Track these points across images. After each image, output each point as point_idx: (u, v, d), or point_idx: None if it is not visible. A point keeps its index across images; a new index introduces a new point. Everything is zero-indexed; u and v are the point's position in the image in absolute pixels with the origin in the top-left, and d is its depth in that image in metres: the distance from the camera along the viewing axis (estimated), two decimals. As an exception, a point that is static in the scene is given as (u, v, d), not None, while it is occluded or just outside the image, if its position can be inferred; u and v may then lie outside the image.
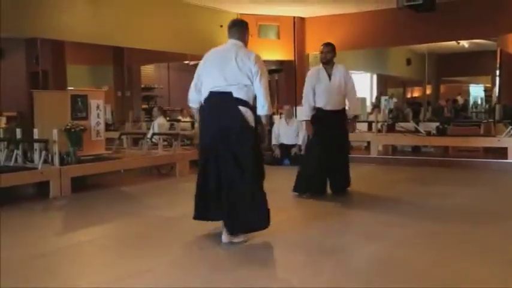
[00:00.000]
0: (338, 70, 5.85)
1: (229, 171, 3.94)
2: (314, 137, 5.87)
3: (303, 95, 5.86)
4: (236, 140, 3.94)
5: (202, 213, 4.15)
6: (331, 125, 5.78)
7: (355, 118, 6.20)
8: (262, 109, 4.02)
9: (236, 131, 3.94)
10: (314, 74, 5.85)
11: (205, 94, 4.06)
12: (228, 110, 3.95)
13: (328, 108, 5.79)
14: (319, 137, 5.81)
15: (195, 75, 4.17)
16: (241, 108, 3.95)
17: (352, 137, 9.02)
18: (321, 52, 5.91)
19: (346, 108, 5.96)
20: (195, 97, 4.19)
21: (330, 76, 5.81)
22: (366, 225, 4.65)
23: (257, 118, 4.07)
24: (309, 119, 5.83)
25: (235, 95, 3.95)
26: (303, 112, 5.96)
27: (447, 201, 5.64)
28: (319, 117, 5.81)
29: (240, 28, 4.21)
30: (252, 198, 3.99)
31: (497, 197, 6.04)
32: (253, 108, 4.02)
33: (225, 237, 3.99)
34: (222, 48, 4.20)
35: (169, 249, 3.93)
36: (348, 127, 6.02)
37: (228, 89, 3.95)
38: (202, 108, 4.13)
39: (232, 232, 3.97)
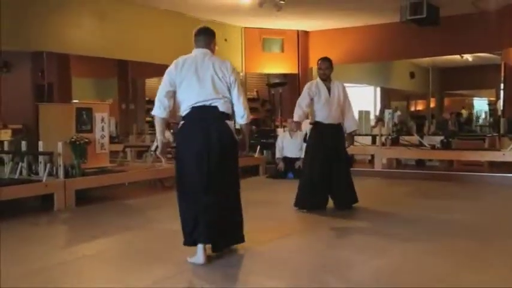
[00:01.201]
0: (336, 85, 5.88)
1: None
2: (313, 151, 5.87)
3: (298, 100, 5.82)
4: (226, 155, 3.81)
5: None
6: (330, 139, 5.79)
7: (353, 133, 6.19)
8: (242, 119, 3.91)
9: (226, 147, 3.81)
10: (314, 86, 5.86)
11: (185, 110, 3.80)
12: (216, 125, 3.77)
13: (327, 122, 5.80)
14: (318, 151, 5.80)
15: (166, 81, 3.82)
16: (228, 122, 3.84)
17: (356, 150, 9.08)
18: (319, 68, 5.91)
19: (345, 123, 5.97)
20: (167, 104, 3.78)
21: (329, 90, 5.82)
22: (370, 240, 4.63)
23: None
24: (300, 120, 5.82)
25: (221, 109, 3.79)
26: (296, 113, 5.83)
27: (452, 215, 5.61)
28: (319, 130, 5.83)
29: (207, 36, 4.00)
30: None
31: (502, 212, 6.00)
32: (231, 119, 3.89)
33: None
34: (193, 59, 3.89)
35: (173, 263, 3.91)
36: (347, 142, 6.02)
37: (213, 103, 3.77)
38: (183, 126, 3.84)
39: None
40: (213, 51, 3.97)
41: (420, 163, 9.85)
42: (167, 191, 7.67)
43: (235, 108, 3.89)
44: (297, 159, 8.89)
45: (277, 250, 4.32)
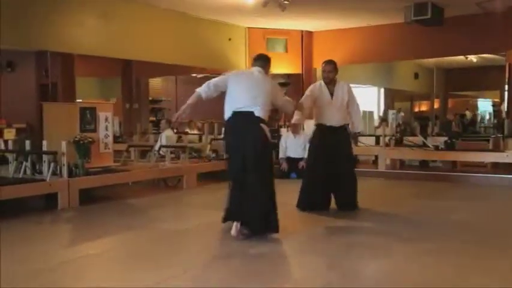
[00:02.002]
0: (341, 87, 5.84)
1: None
2: (316, 153, 5.88)
3: (300, 100, 5.83)
4: (259, 151, 4.51)
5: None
6: (332, 140, 5.77)
7: (358, 134, 6.18)
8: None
9: (259, 144, 4.52)
10: (317, 88, 5.87)
11: (228, 113, 4.60)
12: (252, 126, 4.53)
13: (329, 124, 5.81)
14: (320, 153, 5.81)
15: (222, 80, 4.68)
16: (262, 125, 4.57)
17: (359, 150, 9.06)
18: (323, 71, 5.88)
19: (350, 123, 5.95)
20: (209, 92, 4.64)
21: (332, 94, 5.81)
22: (372, 240, 4.62)
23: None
24: (297, 122, 6.39)
25: (256, 114, 4.53)
26: (294, 115, 5.97)
27: (456, 216, 5.60)
28: (321, 132, 5.84)
29: (263, 61, 4.93)
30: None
31: (508, 213, 5.99)
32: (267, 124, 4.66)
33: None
34: (249, 74, 4.85)
35: (176, 263, 3.91)
36: (353, 142, 6.04)
37: (251, 109, 4.53)
38: (227, 126, 4.68)
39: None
40: (266, 72, 4.89)
41: (424, 164, 9.82)
42: (170, 191, 7.69)
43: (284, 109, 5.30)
44: (300, 159, 8.88)
45: (278, 250, 4.32)
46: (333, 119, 5.79)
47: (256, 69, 4.81)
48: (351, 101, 5.88)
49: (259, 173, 4.46)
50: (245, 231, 4.47)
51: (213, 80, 4.68)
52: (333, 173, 5.73)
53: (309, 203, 5.80)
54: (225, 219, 4.67)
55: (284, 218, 4.66)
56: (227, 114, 4.62)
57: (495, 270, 3.69)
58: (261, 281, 3.52)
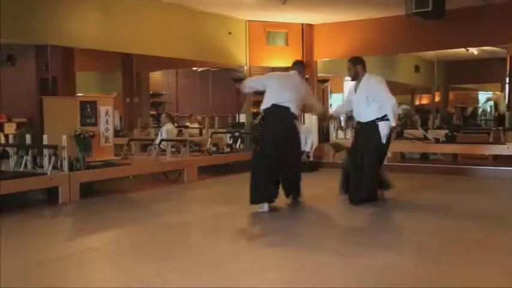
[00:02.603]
0: (365, 81, 5.79)
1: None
2: (350, 146, 6.18)
3: None
4: (289, 141, 5.58)
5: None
6: (361, 135, 5.85)
7: (394, 129, 5.91)
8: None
9: (291, 135, 5.58)
10: (350, 85, 6.16)
11: (267, 104, 5.54)
12: (288, 119, 5.52)
13: (358, 119, 5.92)
14: (351, 147, 6.10)
15: (261, 79, 6.06)
16: (295, 121, 5.58)
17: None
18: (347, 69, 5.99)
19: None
20: (252, 88, 6.02)
21: (356, 90, 5.86)
22: (375, 233, 4.63)
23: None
24: (334, 114, 6.93)
25: (292, 110, 5.49)
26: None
27: (457, 208, 5.61)
28: (356, 127, 6.04)
29: (299, 66, 6.01)
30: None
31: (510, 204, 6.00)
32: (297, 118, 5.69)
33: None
34: (289, 76, 5.80)
35: (177, 255, 3.92)
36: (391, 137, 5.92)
37: (286, 105, 5.47)
38: (267, 114, 5.59)
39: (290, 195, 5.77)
40: (302, 75, 5.96)
41: (424, 157, 9.82)
42: (171, 184, 7.70)
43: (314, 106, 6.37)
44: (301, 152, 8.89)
45: (282, 239, 4.33)
46: (360, 115, 5.84)
47: (294, 73, 5.78)
48: (377, 93, 5.66)
49: (294, 154, 5.70)
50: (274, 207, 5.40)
51: (256, 79, 6.30)
52: (356, 163, 5.87)
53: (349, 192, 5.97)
54: (265, 199, 5.38)
55: (288, 210, 4.64)
56: (266, 105, 5.54)
57: (497, 260, 3.69)
58: (258, 276, 3.53)
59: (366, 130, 5.76)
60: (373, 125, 5.69)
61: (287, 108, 5.48)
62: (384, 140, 5.64)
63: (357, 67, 5.83)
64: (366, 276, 3.44)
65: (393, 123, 5.63)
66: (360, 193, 5.76)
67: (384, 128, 5.63)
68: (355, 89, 5.87)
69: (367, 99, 5.71)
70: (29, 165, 6.29)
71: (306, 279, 3.41)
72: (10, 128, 7.41)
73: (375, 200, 5.81)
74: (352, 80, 5.93)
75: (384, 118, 5.63)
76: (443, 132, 9.28)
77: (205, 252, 4.04)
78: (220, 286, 3.26)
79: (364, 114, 5.78)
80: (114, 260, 3.99)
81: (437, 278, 3.35)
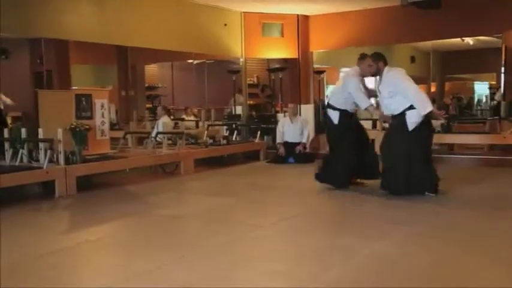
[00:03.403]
0: (385, 76, 5.75)
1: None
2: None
3: None
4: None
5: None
6: (393, 127, 5.82)
7: (435, 118, 5.95)
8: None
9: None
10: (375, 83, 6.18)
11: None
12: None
13: (387, 113, 5.83)
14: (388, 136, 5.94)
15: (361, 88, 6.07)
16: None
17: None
18: None
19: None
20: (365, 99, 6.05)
21: (379, 87, 5.84)
22: (371, 224, 4.64)
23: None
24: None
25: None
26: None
27: (457, 197, 5.63)
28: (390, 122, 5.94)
29: (359, 60, 5.98)
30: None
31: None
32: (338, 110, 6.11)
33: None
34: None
35: (175, 248, 3.92)
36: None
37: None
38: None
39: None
40: (361, 67, 5.96)
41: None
42: (168, 177, 7.69)
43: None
44: (298, 143, 8.89)
45: (283, 230, 4.34)
46: (389, 109, 5.76)
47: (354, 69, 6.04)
48: (398, 87, 5.59)
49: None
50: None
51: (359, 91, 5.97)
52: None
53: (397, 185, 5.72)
54: (346, 182, 6.01)
55: (289, 200, 4.65)
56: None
57: (493, 248, 3.71)
58: (257, 266, 3.53)
59: (397, 122, 5.69)
60: (402, 116, 5.61)
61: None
62: (410, 128, 5.50)
63: (378, 63, 5.76)
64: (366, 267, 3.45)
65: (421, 111, 5.46)
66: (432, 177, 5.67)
67: (411, 117, 5.52)
68: (378, 87, 5.82)
69: (389, 94, 5.67)
70: (25, 159, 6.27)
71: (304, 269, 3.43)
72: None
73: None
74: (373, 76, 5.90)
75: (411, 107, 5.53)
76: (439, 122, 9.27)
77: (203, 243, 4.04)
78: (219, 276, 3.26)
79: (393, 108, 5.71)
80: (112, 252, 3.99)
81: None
